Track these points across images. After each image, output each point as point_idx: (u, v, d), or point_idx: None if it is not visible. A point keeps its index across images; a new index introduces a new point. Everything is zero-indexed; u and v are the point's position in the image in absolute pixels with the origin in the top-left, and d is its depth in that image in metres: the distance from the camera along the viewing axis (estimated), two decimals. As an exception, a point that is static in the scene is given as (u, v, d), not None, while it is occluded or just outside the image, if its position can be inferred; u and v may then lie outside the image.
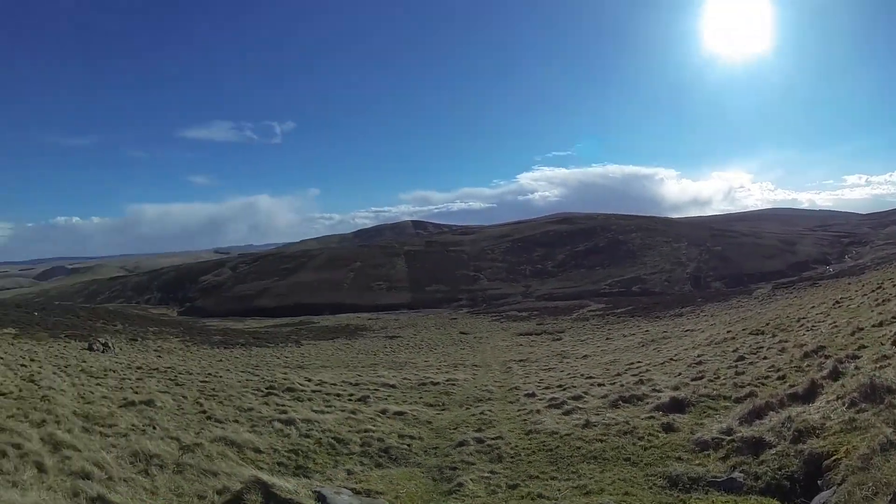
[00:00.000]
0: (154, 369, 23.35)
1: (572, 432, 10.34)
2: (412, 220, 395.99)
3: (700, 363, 16.73)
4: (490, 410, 14.22)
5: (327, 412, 13.74)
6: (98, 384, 17.31)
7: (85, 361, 24.62)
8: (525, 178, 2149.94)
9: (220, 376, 21.66)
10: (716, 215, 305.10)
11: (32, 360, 23.15)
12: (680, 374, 15.53)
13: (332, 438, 10.95)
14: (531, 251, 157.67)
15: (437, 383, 19.98)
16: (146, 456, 8.57)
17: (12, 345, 30.45)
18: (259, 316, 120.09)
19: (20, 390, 14.40)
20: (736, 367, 14.34)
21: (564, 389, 16.24)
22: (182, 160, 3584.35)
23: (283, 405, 14.66)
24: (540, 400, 14.82)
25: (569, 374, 21.26)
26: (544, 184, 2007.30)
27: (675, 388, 12.70)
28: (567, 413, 12.32)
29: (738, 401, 10.57)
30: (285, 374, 23.34)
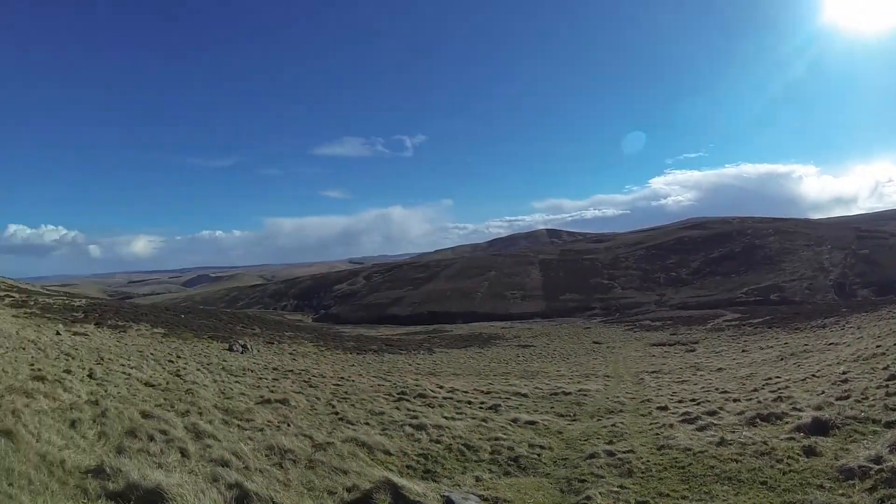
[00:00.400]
0: (289, 371, 24.21)
1: (706, 450, 9.73)
2: (546, 229, 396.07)
3: (845, 381, 15.44)
4: (621, 423, 13.73)
5: (458, 419, 13.69)
6: (237, 382, 18.20)
7: (225, 361, 25.94)
8: (657, 183, 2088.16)
9: (353, 380, 22.12)
10: (862, 214, 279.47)
11: (178, 356, 24.76)
12: (823, 392, 14.40)
13: (462, 445, 10.86)
14: (665, 258, 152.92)
15: (569, 393, 19.57)
16: (280, 450, 8.87)
17: (161, 343, 32.69)
18: (392, 324, 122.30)
19: (167, 383, 15.54)
20: (887, 386, 13.11)
21: (698, 404, 15.49)
22: (316, 176, 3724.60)
23: (414, 410, 14.74)
24: (672, 414, 14.18)
25: (702, 387, 20.31)
26: (677, 188, 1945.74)
27: (818, 408, 11.74)
28: (701, 429, 11.67)
29: (888, 425, 9.58)
30: (417, 380, 23.57)
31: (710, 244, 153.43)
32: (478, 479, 9.04)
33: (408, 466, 9.52)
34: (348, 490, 7.29)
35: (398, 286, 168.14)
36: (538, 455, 10.51)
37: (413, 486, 7.13)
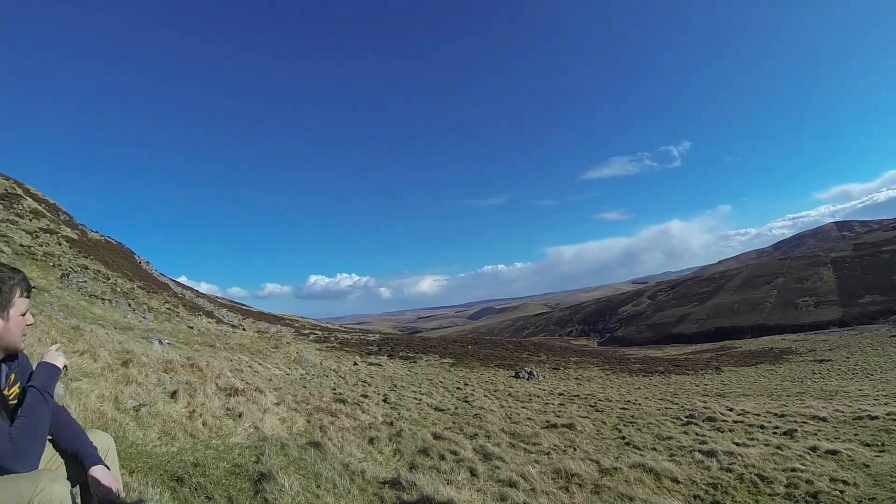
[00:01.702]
0: (574, 396, 24.49)
1: None
2: (835, 222, 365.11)
3: None
4: (945, 457, 12.02)
5: (749, 445, 12.92)
6: (523, 407, 18.84)
7: (511, 387, 26.89)
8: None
9: (639, 404, 21.84)
10: None
11: (466, 384, 26.26)
12: None
13: (755, 475, 10.20)
14: None
15: (875, 417, 17.31)
16: (566, 474, 9.08)
17: (449, 371, 34.83)
18: (678, 343, 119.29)
19: (456, 408, 16.82)
20: None
21: None
22: (590, 200, 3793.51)
23: (703, 435, 14.26)
24: None
25: None
26: None
27: None
28: None
29: None
30: (705, 402, 22.79)
31: None
32: (771, 515, 8.49)
33: (695, 496, 9.16)
34: (634, 517, 7.28)
35: (683, 303, 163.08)
36: (840, 492, 9.53)
37: (704, 520, 6.94)
